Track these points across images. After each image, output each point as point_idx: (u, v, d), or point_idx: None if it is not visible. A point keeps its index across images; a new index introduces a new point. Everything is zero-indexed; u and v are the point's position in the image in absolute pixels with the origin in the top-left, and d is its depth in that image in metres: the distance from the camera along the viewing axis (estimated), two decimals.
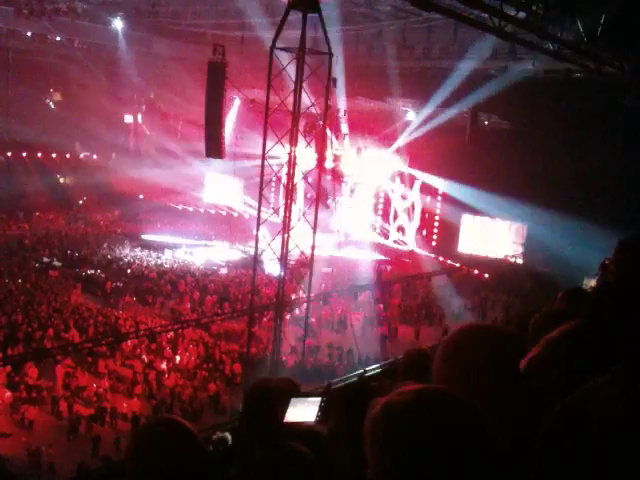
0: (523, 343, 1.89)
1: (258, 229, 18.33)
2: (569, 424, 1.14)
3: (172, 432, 2.20)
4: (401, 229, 39.92)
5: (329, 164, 38.06)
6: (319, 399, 2.59)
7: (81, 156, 51.65)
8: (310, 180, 20.66)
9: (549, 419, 1.20)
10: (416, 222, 39.16)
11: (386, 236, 40.53)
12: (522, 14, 16.70)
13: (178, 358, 22.88)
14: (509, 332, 1.84)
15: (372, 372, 9.68)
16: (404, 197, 39.67)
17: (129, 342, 22.91)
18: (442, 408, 1.18)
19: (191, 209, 47.75)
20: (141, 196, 48.52)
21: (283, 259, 18.02)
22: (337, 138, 38.19)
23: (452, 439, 1.14)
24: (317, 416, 2.56)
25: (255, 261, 19.22)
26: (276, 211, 20.44)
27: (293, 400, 2.62)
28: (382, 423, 1.20)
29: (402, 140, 37.89)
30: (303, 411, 2.61)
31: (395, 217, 40.31)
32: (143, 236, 41.28)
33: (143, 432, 2.32)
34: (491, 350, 1.73)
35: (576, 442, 1.11)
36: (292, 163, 17.42)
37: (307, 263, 18.94)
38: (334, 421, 2.29)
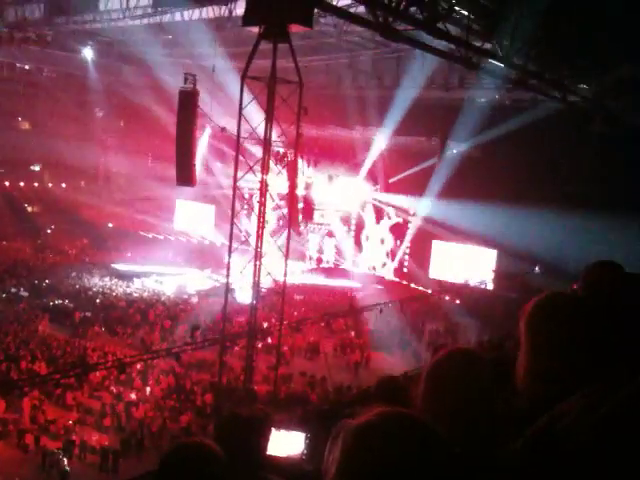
0: (496, 368, 1.96)
1: (230, 257, 18.25)
2: (541, 445, 1.16)
3: (203, 456, 2.15)
4: (372, 256, 40.13)
5: (300, 192, 38.20)
6: (303, 434, 2.56)
7: (49, 185, 51.10)
8: (282, 207, 20.73)
9: (523, 439, 1.22)
10: (386, 249, 39.42)
11: (356, 263, 40.68)
12: (488, 45, 17.14)
13: (148, 389, 22.53)
14: (484, 356, 1.93)
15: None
16: (375, 223, 40.00)
17: (98, 373, 22.51)
18: (396, 428, 1.21)
19: (161, 237, 47.40)
20: (110, 224, 48.07)
21: (255, 287, 17.93)
22: (308, 166, 38.43)
23: (403, 460, 1.15)
24: (303, 453, 2.53)
25: (227, 289, 19.10)
26: (247, 239, 20.42)
27: (274, 432, 2.58)
28: (340, 442, 1.23)
29: (372, 168, 38.33)
30: (287, 445, 2.58)
31: (366, 244, 40.53)
32: (112, 265, 40.79)
33: (174, 455, 2.23)
34: (466, 373, 1.80)
35: (548, 462, 1.12)
36: (263, 192, 17.44)
37: (279, 290, 18.88)
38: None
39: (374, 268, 39.95)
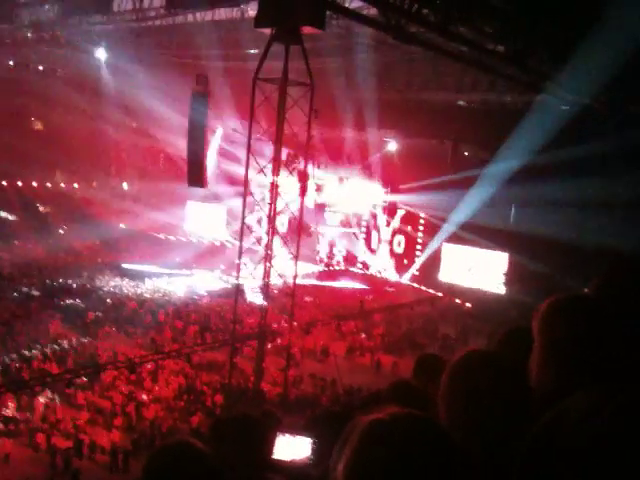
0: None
1: (240, 258, 18.29)
2: (546, 443, 1.14)
3: (187, 455, 2.11)
4: (383, 258, 40.07)
5: (311, 193, 38.23)
6: (309, 440, 2.54)
7: (62, 185, 51.37)
8: (292, 209, 20.72)
9: (527, 439, 1.20)
10: (398, 251, 39.34)
11: (367, 266, 40.62)
12: (501, 48, 17.08)
13: (158, 389, 22.57)
14: (505, 359, 1.87)
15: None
16: (386, 226, 39.92)
17: (108, 373, 22.57)
18: (407, 429, 1.19)
19: (173, 238, 47.52)
20: (122, 225, 48.26)
21: (265, 288, 17.96)
22: (319, 167, 38.42)
23: (412, 462, 1.14)
24: (310, 458, 2.50)
25: (237, 290, 19.14)
26: (258, 240, 20.44)
27: (280, 436, 2.56)
28: (352, 439, 1.21)
29: (383, 170, 38.27)
30: (292, 450, 2.55)
31: (377, 246, 40.46)
32: (124, 265, 40.90)
33: (158, 455, 2.20)
34: (495, 378, 1.74)
35: (553, 462, 1.10)
36: (274, 192, 17.47)
37: (289, 292, 18.88)
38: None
39: (385, 270, 39.85)
